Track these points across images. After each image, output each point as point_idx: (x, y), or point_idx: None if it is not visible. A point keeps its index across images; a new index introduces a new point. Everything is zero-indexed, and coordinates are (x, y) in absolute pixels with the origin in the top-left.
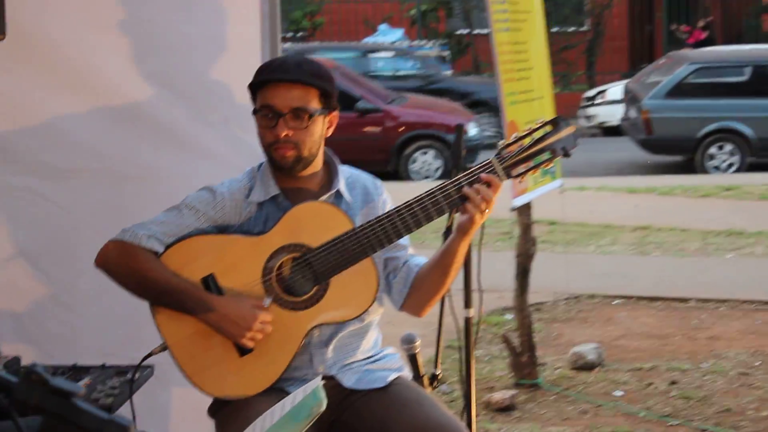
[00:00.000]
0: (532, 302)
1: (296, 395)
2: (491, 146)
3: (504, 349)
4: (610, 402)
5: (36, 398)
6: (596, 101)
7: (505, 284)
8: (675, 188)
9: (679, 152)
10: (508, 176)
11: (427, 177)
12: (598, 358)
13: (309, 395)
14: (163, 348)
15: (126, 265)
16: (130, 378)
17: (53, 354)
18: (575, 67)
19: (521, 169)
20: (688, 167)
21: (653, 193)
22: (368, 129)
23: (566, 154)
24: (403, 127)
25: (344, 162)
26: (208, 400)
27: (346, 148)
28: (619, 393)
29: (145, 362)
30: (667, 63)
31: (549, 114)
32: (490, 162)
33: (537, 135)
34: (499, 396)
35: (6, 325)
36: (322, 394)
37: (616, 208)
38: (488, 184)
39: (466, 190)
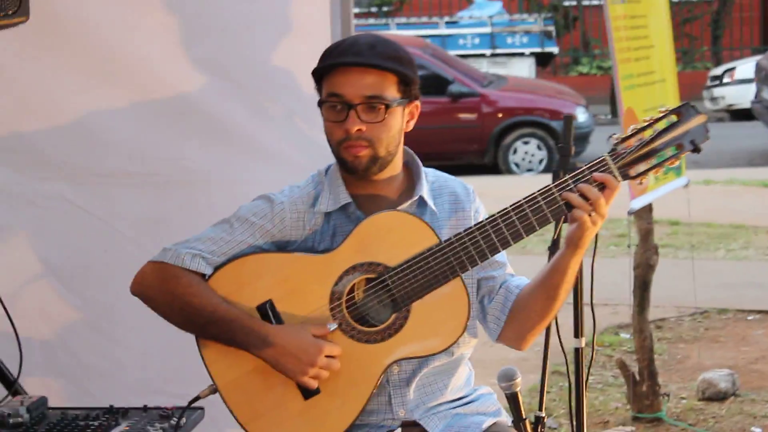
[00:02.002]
0: (651, 318)
1: None
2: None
3: (620, 375)
4: None
5: None
6: (723, 81)
7: (619, 296)
8: None
9: None
10: (625, 177)
11: (529, 170)
12: (732, 387)
13: None
14: (213, 390)
15: (167, 290)
16: (176, 424)
17: (89, 389)
18: (699, 42)
19: (641, 167)
20: None
21: None
22: (462, 116)
23: (696, 149)
24: (502, 114)
25: (433, 155)
26: None
27: (437, 137)
28: (757, 429)
29: (194, 403)
30: None
31: (673, 100)
32: (603, 160)
33: (660, 126)
34: None
35: (34, 356)
36: None
37: (747, 205)
38: (601, 187)
39: (570, 195)
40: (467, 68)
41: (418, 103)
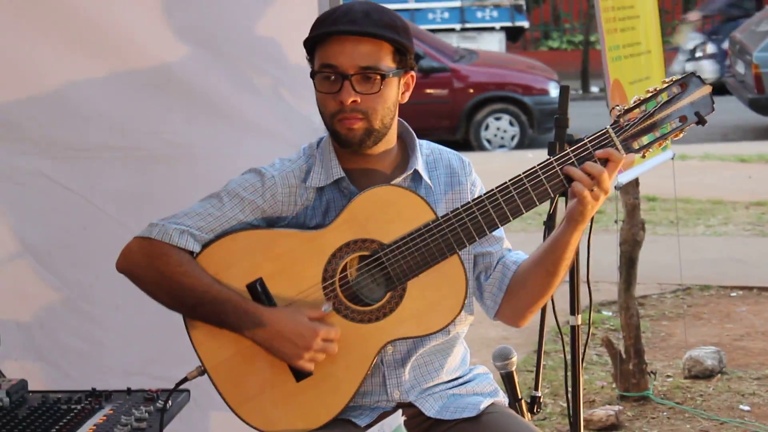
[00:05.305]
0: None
1: None
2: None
3: (604, 354)
4: (736, 419)
5: None
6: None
7: (599, 273)
8: None
9: None
10: (628, 150)
11: (502, 146)
12: (719, 364)
13: None
14: (201, 372)
15: (154, 268)
16: (162, 407)
17: (69, 372)
18: (671, 15)
19: (645, 140)
20: None
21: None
22: (433, 91)
23: (701, 121)
24: (474, 89)
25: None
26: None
27: (407, 113)
28: (745, 407)
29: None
30: None
31: (658, 71)
32: (605, 132)
33: (663, 97)
34: (602, 412)
35: (12, 338)
36: None
37: (725, 180)
38: (604, 161)
39: (571, 170)
40: (438, 43)
41: (413, 73)
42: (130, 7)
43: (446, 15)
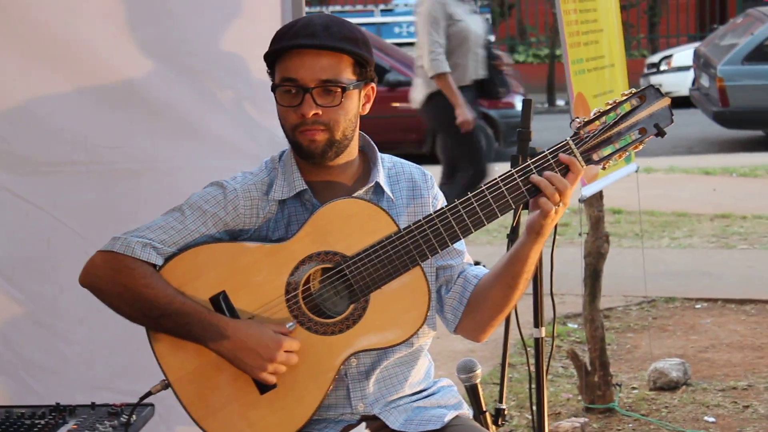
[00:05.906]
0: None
1: None
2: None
3: (570, 366)
4: (701, 430)
5: None
6: (661, 68)
7: (565, 286)
8: (757, 168)
9: (759, 126)
10: (589, 162)
11: None
12: (684, 376)
13: None
14: (165, 386)
15: (117, 281)
16: (126, 421)
17: (33, 387)
18: (636, 29)
19: (605, 152)
20: None
21: (732, 175)
22: (399, 105)
23: (660, 133)
24: None
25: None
26: None
27: (374, 127)
28: (710, 419)
29: (144, 400)
30: (745, 22)
31: (622, 85)
32: (566, 144)
33: (623, 109)
34: (568, 425)
35: None
36: None
37: (690, 192)
38: (565, 171)
39: (535, 178)
40: (404, 57)
41: (373, 85)
42: (94, 21)
43: (412, 29)
